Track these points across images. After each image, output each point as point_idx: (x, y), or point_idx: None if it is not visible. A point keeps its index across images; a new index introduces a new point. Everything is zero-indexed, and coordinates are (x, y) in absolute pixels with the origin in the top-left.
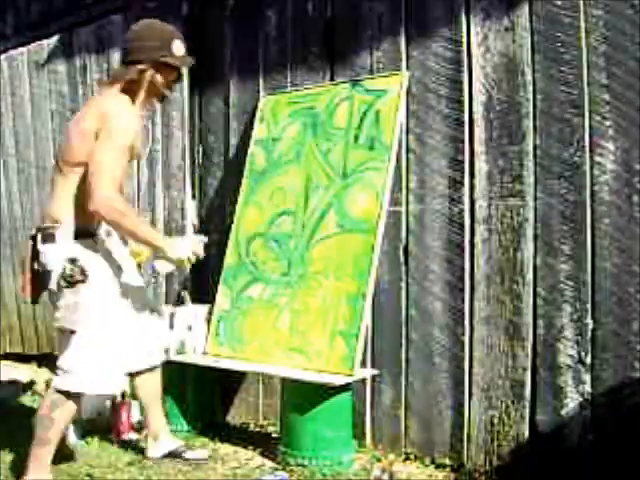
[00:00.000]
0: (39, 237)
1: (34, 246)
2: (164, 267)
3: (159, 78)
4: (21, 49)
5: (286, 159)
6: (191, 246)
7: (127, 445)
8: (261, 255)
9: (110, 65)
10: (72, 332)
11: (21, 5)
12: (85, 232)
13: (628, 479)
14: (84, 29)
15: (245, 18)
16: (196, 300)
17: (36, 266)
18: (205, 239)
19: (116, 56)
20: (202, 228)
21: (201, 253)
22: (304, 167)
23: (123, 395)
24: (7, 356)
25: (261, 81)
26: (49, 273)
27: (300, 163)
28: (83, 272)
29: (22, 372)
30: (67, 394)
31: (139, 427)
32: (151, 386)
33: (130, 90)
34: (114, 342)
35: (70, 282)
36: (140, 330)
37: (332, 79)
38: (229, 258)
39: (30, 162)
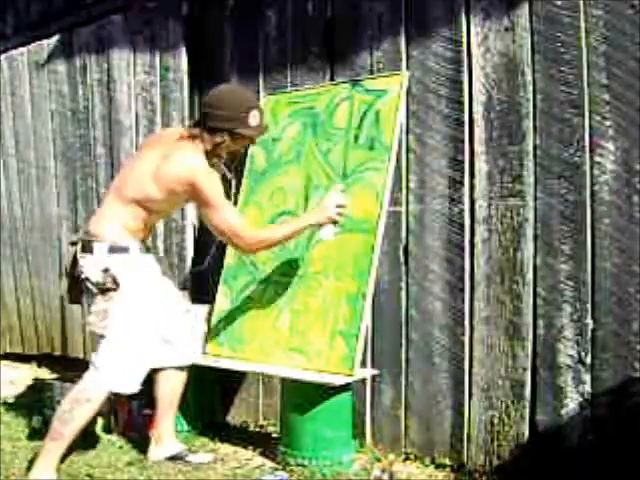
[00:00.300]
0: (79, 247)
1: (75, 255)
2: (328, 233)
3: (233, 145)
4: (21, 49)
5: (286, 159)
6: (332, 202)
7: (127, 445)
8: (261, 255)
9: (110, 65)
10: (102, 336)
11: (21, 5)
12: (120, 248)
13: (628, 479)
14: (84, 29)
15: (245, 18)
16: (196, 300)
17: (75, 273)
18: (341, 186)
19: (116, 56)
20: (202, 228)
21: (344, 201)
22: (304, 167)
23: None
24: (7, 356)
25: (261, 81)
26: (85, 280)
27: (300, 163)
28: (114, 281)
29: (22, 372)
30: (98, 391)
31: (139, 427)
32: (169, 387)
33: (207, 150)
34: (139, 347)
35: (102, 289)
36: (169, 332)
37: (332, 79)
38: (229, 258)
39: (30, 162)
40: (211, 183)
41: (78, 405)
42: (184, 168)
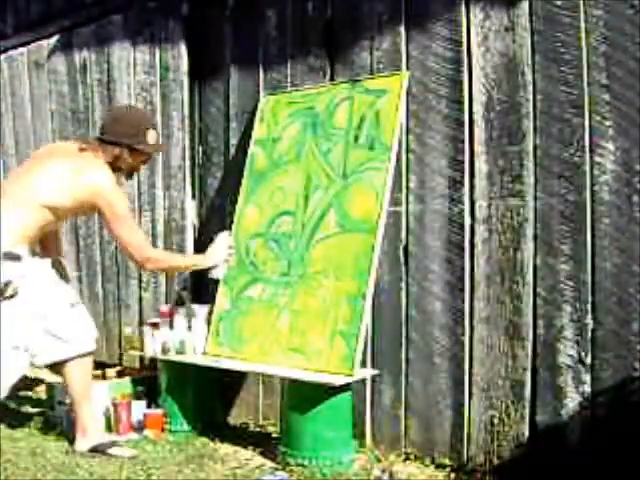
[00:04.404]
0: None
1: None
2: (218, 273)
3: (131, 160)
4: (21, 49)
5: (286, 159)
6: (224, 246)
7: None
8: (261, 255)
9: (110, 65)
10: None
11: (21, 5)
12: (14, 256)
13: (628, 479)
14: (84, 29)
15: (245, 18)
16: (196, 300)
17: None
18: (227, 233)
19: (116, 56)
20: (202, 228)
21: (232, 244)
22: (304, 167)
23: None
24: None
25: (261, 81)
26: None
27: (300, 163)
28: (15, 290)
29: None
30: None
31: (139, 427)
32: (74, 379)
33: (107, 161)
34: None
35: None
36: (56, 327)
37: (332, 79)
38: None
39: None
40: (119, 197)
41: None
42: (96, 181)
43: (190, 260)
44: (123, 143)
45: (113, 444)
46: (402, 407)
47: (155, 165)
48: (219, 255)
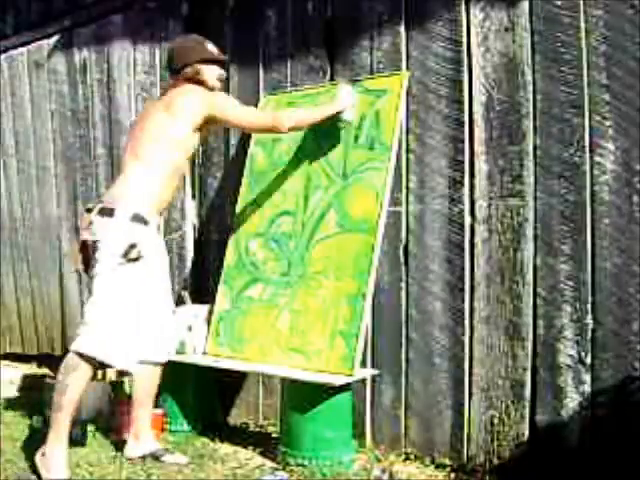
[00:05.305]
0: (97, 211)
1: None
2: (348, 115)
3: (209, 73)
4: (21, 49)
5: (286, 159)
6: (349, 92)
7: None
8: (261, 255)
9: (110, 65)
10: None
11: (21, 5)
12: (142, 218)
13: (628, 479)
14: (84, 29)
15: (245, 18)
16: (196, 300)
17: (86, 236)
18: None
19: (116, 56)
20: (202, 228)
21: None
22: (304, 167)
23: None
24: (7, 356)
25: (261, 81)
26: (96, 242)
27: (300, 163)
28: (139, 253)
29: (22, 372)
30: (82, 358)
31: None
32: (145, 383)
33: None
34: (131, 321)
35: (129, 259)
36: (157, 323)
37: (332, 79)
38: (229, 258)
39: (30, 162)
40: (224, 96)
41: (69, 373)
42: (198, 94)
43: (324, 112)
44: (193, 61)
45: (166, 451)
46: (402, 407)
47: None
48: (346, 99)
